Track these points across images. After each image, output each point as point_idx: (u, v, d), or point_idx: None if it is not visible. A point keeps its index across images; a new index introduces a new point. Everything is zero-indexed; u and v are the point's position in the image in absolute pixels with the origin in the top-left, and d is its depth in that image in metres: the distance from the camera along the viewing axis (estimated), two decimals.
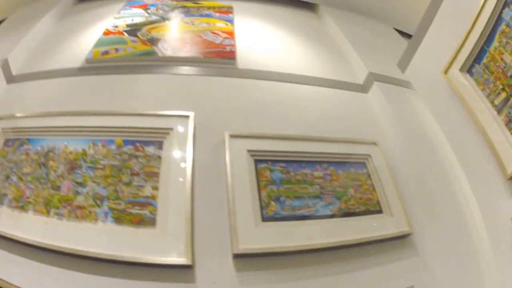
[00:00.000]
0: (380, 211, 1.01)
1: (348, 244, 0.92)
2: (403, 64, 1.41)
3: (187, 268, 0.84)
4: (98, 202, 0.94)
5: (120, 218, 0.91)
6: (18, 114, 1.19)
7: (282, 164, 0.99)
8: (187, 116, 1.03)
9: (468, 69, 1.15)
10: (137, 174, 0.96)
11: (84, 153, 1.02)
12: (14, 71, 1.37)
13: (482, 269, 1.05)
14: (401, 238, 1.01)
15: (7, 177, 1.08)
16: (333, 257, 0.93)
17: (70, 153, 1.04)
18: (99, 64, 1.32)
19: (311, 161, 1.03)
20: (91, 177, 0.98)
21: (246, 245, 0.85)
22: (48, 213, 0.96)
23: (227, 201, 0.92)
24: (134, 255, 0.85)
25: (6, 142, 1.15)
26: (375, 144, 1.12)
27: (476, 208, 1.10)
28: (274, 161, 0.99)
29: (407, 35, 1.87)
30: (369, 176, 1.05)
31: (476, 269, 1.05)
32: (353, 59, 1.50)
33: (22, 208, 1.00)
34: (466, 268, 1.05)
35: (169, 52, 1.35)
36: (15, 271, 0.90)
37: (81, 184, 0.98)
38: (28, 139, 1.13)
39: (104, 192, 0.95)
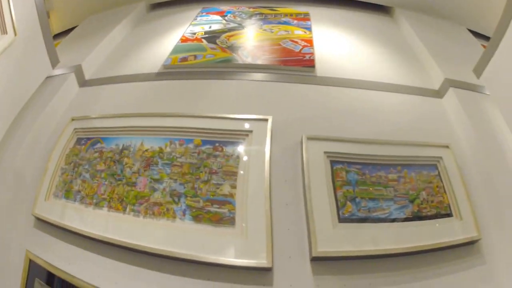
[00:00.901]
0: (450, 215, 0.97)
1: (420, 250, 0.89)
2: (479, 69, 1.38)
3: (266, 271, 0.81)
4: (176, 199, 0.94)
5: (198, 216, 0.90)
6: (92, 115, 1.24)
7: (358, 166, 0.98)
8: (266, 120, 1.03)
9: None
10: (216, 173, 0.95)
11: (161, 150, 1.04)
12: (87, 76, 1.44)
13: None
14: (469, 244, 0.96)
15: (80, 174, 1.10)
16: (404, 264, 0.89)
17: (146, 150, 1.06)
18: (177, 70, 1.36)
19: (386, 164, 1.01)
20: (168, 173, 0.99)
21: (324, 248, 0.84)
22: (124, 209, 0.97)
23: (304, 201, 0.91)
24: (213, 255, 0.82)
25: (79, 141, 1.19)
26: (447, 147, 1.10)
27: None
28: (350, 163, 0.98)
29: (480, 36, 1.83)
30: (440, 178, 1.02)
31: None
32: (429, 64, 1.49)
33: (96, 205, 1.01)
34: None
35: (249, 60, 1.38)
36: (90, 268, 0.90)
37: (158, 181, 0.99)
38: (102, 138, 1.16)
39: (182, 189, 0.95)
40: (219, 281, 0.83)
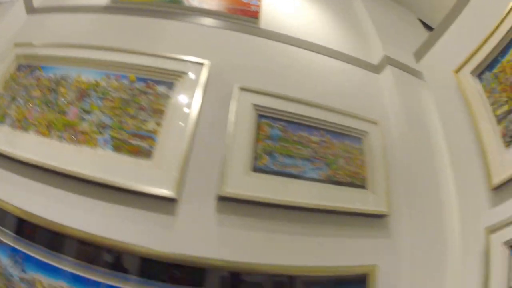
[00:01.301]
0: (364, 187, 1.03)
1: (329, 209, 0.95)
2: (420, 54, 1.44)
3: (172, 202, 0.85)
4: (101, 130, 0.96)
5: (119, 147, 0.92)
6: (34, 42, 1.21)
7: (283, 123, 1.02)
8: (202, 64, 1.05)
9: (479, 74, 1.17)
10: (144, 109, 0.97)
11: (97, 84, 1.05)
12: (36, 3, 1.39)
13: (447, 269, 1.06)
14: (378, 217, 1.03)
15: (14, 99, 1.10)
16: (311, 219, 0.95)
17: (83, 82, 1.06)
18: (124, 5, 1.33)
19: (311, 126, 1.06)
20: (99, 106, 1.00)
21: (231, 190, 0.88)
22: (49, 134, 0.98)
23: (224, 147, 0.94)
24: (127, 182, 0.85)
25: (19, 68, 1.18)
26: (375, 123, 1.14)
27: (456, 209, 1.13)
28: (276, 119, 1.02)
29: (429, 28, 1.88)
30: (362, 151, 1.08)
31: (441, 268, 1.07)
32: (372, 38, 1.53)
33: (25, 129, 1.01)
34: (432, 264, 1.07)
35: (195, 3, 1.37)
36: (11, 190, 0.90)
37: (88, 112, 1.00)
38: (41, 66, 1.15)
39: (109, 121, 0.97)
40: (128, 206, 0.86)
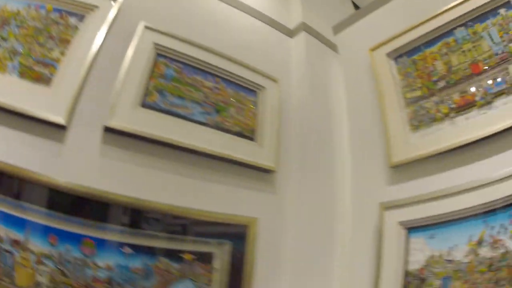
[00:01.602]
0: (252, 139, 1.04)
1: (214, 155, 0.96)
2: (339, 28, 1.43)
3: (61, 129, 0.87)
4: (13, 57, 0.98)
5: (24, 73, 0.94)
6: None
7: (179, 65, 1.03)
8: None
9: (396, 56, 1.18)
10: (53, 38, 0.98)
11: (18, 13, 1.06)
12: None
13: (336, 236, 1.05)
14: (265, 172, 1.03)
15: None
16: (196, 162, 0.96)
17: (7, 11, 1.08)
18: None
19: (206, 71, 1.06)
20: (15, 34, 1.02)
21: (118, 123, 0.89)
22: None
23: (117, 79, 0.95)
24: (22, 106, 0.88)
25: None
26: (275, 81, 1.12)
27: (349, 178, 1.11)
28: (173, 60, 1.03)
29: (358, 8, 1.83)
30: (256, 104, 1.06)
31: (329, 236, 1.08)
32: (295, 4, 1.49)
33: None
34: (318, 230, 1.06)
35: None
36: None
37: (5, 39, 1.02)
38: None
39: (20, 48, 0.99)
40: (19, 130, 0.88)
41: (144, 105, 0.93)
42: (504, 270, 0.93)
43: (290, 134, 1.11)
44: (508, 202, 0.95)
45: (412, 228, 0.99)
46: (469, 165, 1.00)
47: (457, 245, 0.97)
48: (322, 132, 1.15)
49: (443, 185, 0.97)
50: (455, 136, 1.00)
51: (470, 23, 1.08)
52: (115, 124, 0.88)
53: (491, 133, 0.98)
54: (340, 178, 1.10)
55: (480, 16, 1.07)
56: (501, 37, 1.07)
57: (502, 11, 1.06)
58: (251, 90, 1.08)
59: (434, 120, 1.02)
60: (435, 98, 1.05)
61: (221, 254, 0.93)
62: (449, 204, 0.97)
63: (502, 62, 1.05)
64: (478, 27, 1.07)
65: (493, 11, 1.06)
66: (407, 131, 1.03)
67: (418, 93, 1.08)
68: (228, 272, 0.92)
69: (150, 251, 0.86)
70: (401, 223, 0.99)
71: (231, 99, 1.04)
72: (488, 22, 1.06)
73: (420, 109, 1.06)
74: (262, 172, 1.01)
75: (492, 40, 1.08)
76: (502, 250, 0.93)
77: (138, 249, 0.85)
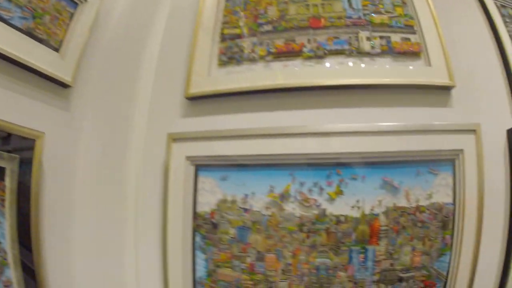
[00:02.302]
0: (57, 50, 0.99)
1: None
2: None
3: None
4: None
5: None
6: None
7: None
8: None
9: None
10: None
11: None
12: None
13: (126, 166, 1.05)
14: (61, 86, 0.98)
15: None
16: None
17: None
18: None
19: None
20: None
21: None
22: None
23: None
24: None
25: None
26: None
27: (146, 107, 1.07)
28: None
29: None
30: (72, 17, 1.02)
31: (119, 165, 1.05)
32: None
33: None
34: (111, 156, 1.05)
35: None
36: None
37: None
38: None
39: None
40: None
41: None
42: (323, 234, 0.91)
43: (97, 52, 1.06)
44: (321, 161, 0.93)
45: (202, 166, 0.96)
46: (277, 111, 0.97)
47: (254, 194, 0.94)
48: (131, 54, 1.11)
49: (242, 126, 0.94)
50: (264, 79, 0.97)
51: None
52: None
53: (312, 84, 0.96)
54: (138, 104, 1.06)
55: None
56: (364, 5, 1.04)
57: None
58: (73, 1, 1.01)
59: (247, 60, 0.99)
60: (254, 39, 1.02)
61: (11, 170, 0.88)
62: (245, 147, 0.94)
63: (353, 25, 1.02)
64: None
65: None
66: (213, 65, 1.01)
67: (237, 31, 1.05)
68: (17, 191, 0.87)
69: None
70: (189, 158, 0.96)
71: (51, 8, 0.96)
72: None
73: (234, 46, 1.04)
74: (58, 85, 0.95)
75: (350, 4, 1.05)
76: (316, 212, 0.91)
77: None
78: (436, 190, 0.92)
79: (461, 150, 0.92)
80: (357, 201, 0.91)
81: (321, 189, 0.93)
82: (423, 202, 0.92)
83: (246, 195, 0.95)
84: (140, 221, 1.02)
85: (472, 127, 0.93)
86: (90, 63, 1.05)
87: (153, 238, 0.99)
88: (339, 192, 0.92)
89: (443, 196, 0.92)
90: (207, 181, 0.98)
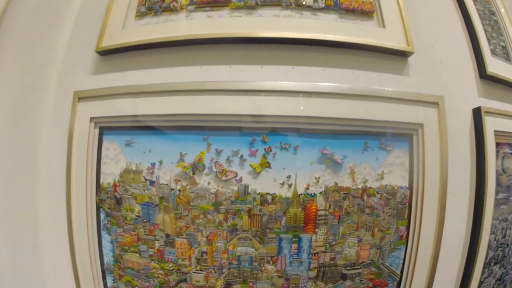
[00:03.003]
0: None
1: None
2: None
3: None
4: None
5: None
6: None
7: None
8: None
9: None
10: None
11: None
12: None
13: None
14: None
15: None
16: None
17: None
18: None
19: None
20: None
21: None
22: None
23: None
24: None
25: None
26: None
27: (60, 62, 0.93)
28: None
29: None
30: None
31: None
32: None
33: None
34: (23, 110, 0.90)
35: None
36: None
37: None
38: None
39: None
40: None
41: None
42: (244, 217, 0.75)
43: (17, 4, 0.90)
44: (243, 124, 0.75)
45: (107, 129, 0.80)
46: (195, 66, 0.79)
47: (162, 163, 0.77)
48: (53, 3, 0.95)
49: (154, 82, 0.77)
50: (183, 30, 0.78)
51: None
52: None
53: (238, 35, 0.77)
54: (53, 59, 0.90)
55: None
56: None
57: None
58: None
59: (168, 10, 0.81)
60: None
61: None
62: (153, 106, 0.77)
63: None
64: None
65: None
66: (130, 17, 0.84)
67: None
68: None
69: None
70: (93, 120, 0.80)
71: None
72: None
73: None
74: None
75: None
76: (235, 188, 0.75)
77: None
78: (388, 170, 0.76)
79: (421, 125, 0.78)
80: (288, 177, 0.74)
81: (243, 159, 0.74)
82: (372, 184, 0.75)
83: (153, 164, 0.78)
84: (48, 195, 0.88)
85: (434, 99, 0.80)
86: (9, 16, 0.91)
87: (58, 216, 0.85)
88: (265, 165, 0.74)
89: (397, 178, 0.77)
90: (111, 147, 0.81)
